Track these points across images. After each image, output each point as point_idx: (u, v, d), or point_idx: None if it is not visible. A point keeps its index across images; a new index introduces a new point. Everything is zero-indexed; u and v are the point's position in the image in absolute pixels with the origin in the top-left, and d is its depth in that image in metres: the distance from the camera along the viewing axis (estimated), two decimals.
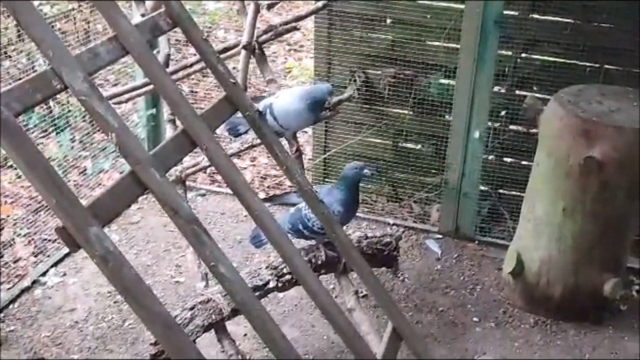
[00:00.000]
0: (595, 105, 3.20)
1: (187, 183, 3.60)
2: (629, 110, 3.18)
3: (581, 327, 3.45)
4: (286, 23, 3.44)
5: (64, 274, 3.64)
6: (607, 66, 3.70)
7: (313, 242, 3.03)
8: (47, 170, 1.89)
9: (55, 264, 3.69)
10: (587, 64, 3.74)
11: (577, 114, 3.11)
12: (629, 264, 3.59)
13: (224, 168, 2.43)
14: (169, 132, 3.25)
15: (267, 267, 2.94)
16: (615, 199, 3.18)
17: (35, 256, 3.73)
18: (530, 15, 3.71)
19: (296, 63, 5.82)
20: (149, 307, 2.02)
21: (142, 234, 3.99)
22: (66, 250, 3.65)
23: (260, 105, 2.78)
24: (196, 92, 4.72)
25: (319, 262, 2.99)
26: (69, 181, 4.01)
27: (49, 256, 3.73)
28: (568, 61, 3.76)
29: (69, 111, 4.17)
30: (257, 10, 3.28)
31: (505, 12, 3.63)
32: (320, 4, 3.54)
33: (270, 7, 3.49)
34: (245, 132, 3.14)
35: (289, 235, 2.80)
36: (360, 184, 3.07)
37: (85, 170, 4.21)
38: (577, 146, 3.10)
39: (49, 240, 3.79)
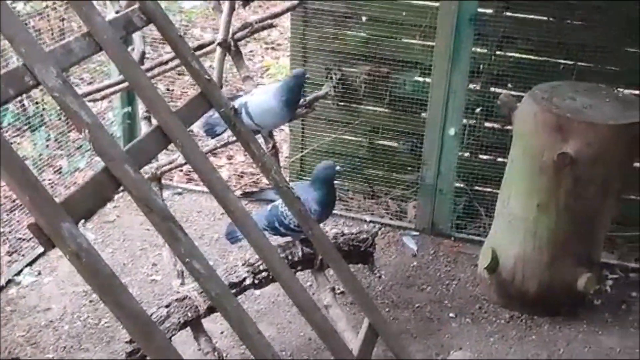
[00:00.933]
0: (568, 102, 3.23)
1: (164, 181, 3.59)
2: (602, 107, 3.21)
3: (556, 322, 3.49)
4: (262, 20, 3.44)
5: (39, 273, 3.62)
6: (580, 63, 3.73)
7: (289, 238, 3.03)
8: (19, 167, 1.87)
9: (30, 263, 3.66)
10: (561, 61, 3.77)
11: (551, 111, 3.14)
12: (602, 259, 3.63)
13: (200, 165, 2.43)
14: (144, 130, 3.24)
15: (243, 264, 2.94)
16: (588, 195, 3.21)
17: (10, 255, 3.69)
18: (505, 13, 3.73)
19: (273, 61, 5.81)
20: (123, 304, 2.02)
21: (118, 232, 3.97)
22: (41, 249, 3.62)
23: (235, 104, 2.78)
24: (172, 90, 4.71)
25: (296, 259, 3.00)
26: (43, 180, 3.98)
27: (23, 255, 3.70)
28: (542, 58, 3.79)
29: (44, 109, 4.14)
30: (232, 8, 3.28)
31: (480, 9, 3.65)
32: (295, 1, 3.54)
33: (245, 4, 3.49)
34: (222, 133, 3.15)
35: (266, 232, 2.80)
36: (336, 181, 3.07)
37: (60, 169, 4.18)
38: (551, 142, 3.13)
39: (24, 240, 3.76)
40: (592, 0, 3.59)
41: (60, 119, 4.14)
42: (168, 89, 4.67)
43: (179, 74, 4.56)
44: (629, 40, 3.65)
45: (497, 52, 3.83)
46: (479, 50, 3.80)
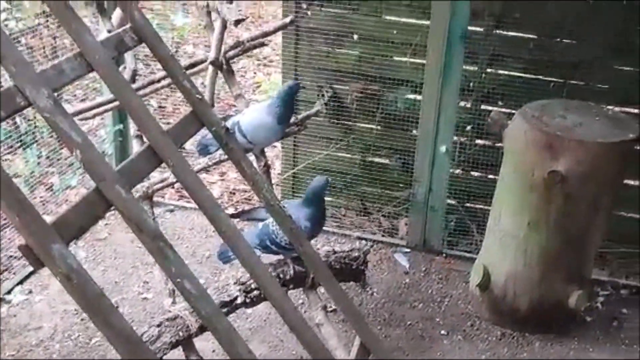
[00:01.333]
0: (558, 120, 3.25)
1: (156, 199, 3.58)
2: (592, 125, 3.23)
3: (547, 339, 3.49)
4: (254, 39, 3.46)
5: (30, 292, 3.60)
6: (570, 81, 3.75)
7: (281, 257, 3.03)
8: (9, 187, 1.87)
9: (21, 282, 3.65)
10: (551, 79, 3.79)
11: (541, 129, 3.15)
12: (593, 276, 3.64)
13: (190, 184, 2.42)
14: (136, 148, 3.24)
15: (235, 283, 2.93)
16: (579, 212, 3.22)
17: (1, 274, 3.68)
18: (495, 31, 3.76)
19: (265, 78, 5.83)
20: (113, 324, 2.01)
21: (109, 250, 3.96)
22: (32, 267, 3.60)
23: (228, 124, 2.78)
24: (164, 107, 4.71)
25: (287, 277, 2.99)
26: (35, 197, 3.98)
27: (14, 274, 3.69)
28: (532, 76, 3.81)
29: (36, 127, 4.14)
30: (224, 26, 3.30)
31: (471, 27, 3.67)
32: (287, 19, 3.56)
33: (237, 23, 3.50)
34: (216, 152, 3.16)
35: (257, 250, 2.80)
36: (329, 198, 3.07)
37: (52, 186, 4.17)
38: (541, 160, 3.14)
39: (15, 258, 3.74)
40: (581, 16, 3.62)
41: (52, 136, 4.13)
42: (160, 106, 4.68)
43: (172, 91, 4.57)
44: (618, 58, 3.67)
45: (488, 70, 3.86)
46: (469, 68, 3.82)
